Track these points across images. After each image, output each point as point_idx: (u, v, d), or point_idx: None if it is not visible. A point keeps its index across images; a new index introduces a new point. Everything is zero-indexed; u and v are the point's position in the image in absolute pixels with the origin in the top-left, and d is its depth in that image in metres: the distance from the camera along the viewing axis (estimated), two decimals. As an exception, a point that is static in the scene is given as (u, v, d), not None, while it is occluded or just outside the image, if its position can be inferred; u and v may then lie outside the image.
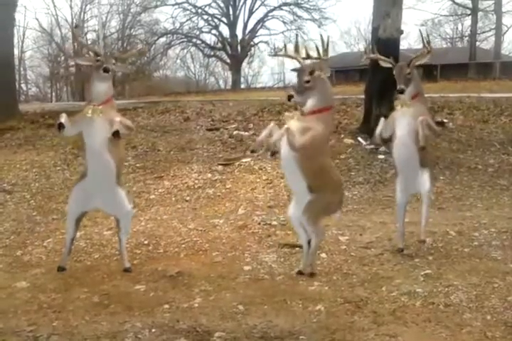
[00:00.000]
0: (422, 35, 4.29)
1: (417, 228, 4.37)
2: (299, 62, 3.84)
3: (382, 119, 4.24)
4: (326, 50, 3.74)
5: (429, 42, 4.19)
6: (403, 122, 4.06)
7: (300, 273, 3.84)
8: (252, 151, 4.06)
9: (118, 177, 3.94)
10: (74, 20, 33.31)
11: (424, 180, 4.15)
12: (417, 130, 3.92)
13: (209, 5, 35.79)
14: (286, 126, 3.63)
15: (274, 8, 36.17)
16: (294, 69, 4.23)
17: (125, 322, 3.07)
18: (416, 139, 3.94)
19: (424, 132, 3.92)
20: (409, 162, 4.12)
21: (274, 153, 3.71)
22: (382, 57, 4.36)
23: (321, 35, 3.75)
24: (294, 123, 3.66)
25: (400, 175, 4.27)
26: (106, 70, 3.80)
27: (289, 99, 3.69)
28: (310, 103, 3.70)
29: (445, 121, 8.82)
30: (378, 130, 4.20)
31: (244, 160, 7.55)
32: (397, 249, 4.30)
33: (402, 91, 4.05)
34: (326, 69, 3.74)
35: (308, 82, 3.66)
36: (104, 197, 3.93)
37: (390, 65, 4.24)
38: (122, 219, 4.04)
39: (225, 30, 36.76)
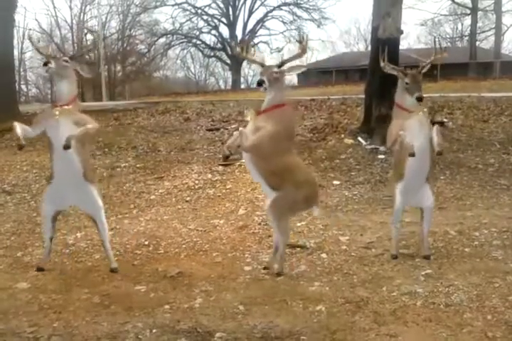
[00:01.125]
0: (438, 45, 4.20)
1: (418, 227, 4.36)
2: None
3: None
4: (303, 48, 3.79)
5: (445, 50, 4.12)
6: (423, 130, 3.90)
7: (267, 269, 3.91)
8: (226, 157, 3.98)
9: (86, 174, 3.93)
10: (73, 21, 33.37)
11: (429, 194, 4.11)
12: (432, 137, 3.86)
13: (209, 5, 35.98)
14: (240, 128, 3.70)
15: (274, 8, 36.35)
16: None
17: (126, 323, 3.08)
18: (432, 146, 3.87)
19: (439, 139, 3.85)
20: (420, 172, 4.04)
21: (227, 157, 3.73)
22: (394, 66, 4.17)
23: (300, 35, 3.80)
24: (250, 124, 3.71)
25: (405, 182, 4.05)
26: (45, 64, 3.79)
27: None
28: (264, 102, 3.75)
29: (445, 120, 8.82)
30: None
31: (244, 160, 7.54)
32: (391, 255, 4.13)
33: (422, 99, 3.89)
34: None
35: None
36: (76, 195, 3.96)
37: (395, 73, 4.08)
38: (96, 216, 4.04)
39: (224, 31, 36.92)
